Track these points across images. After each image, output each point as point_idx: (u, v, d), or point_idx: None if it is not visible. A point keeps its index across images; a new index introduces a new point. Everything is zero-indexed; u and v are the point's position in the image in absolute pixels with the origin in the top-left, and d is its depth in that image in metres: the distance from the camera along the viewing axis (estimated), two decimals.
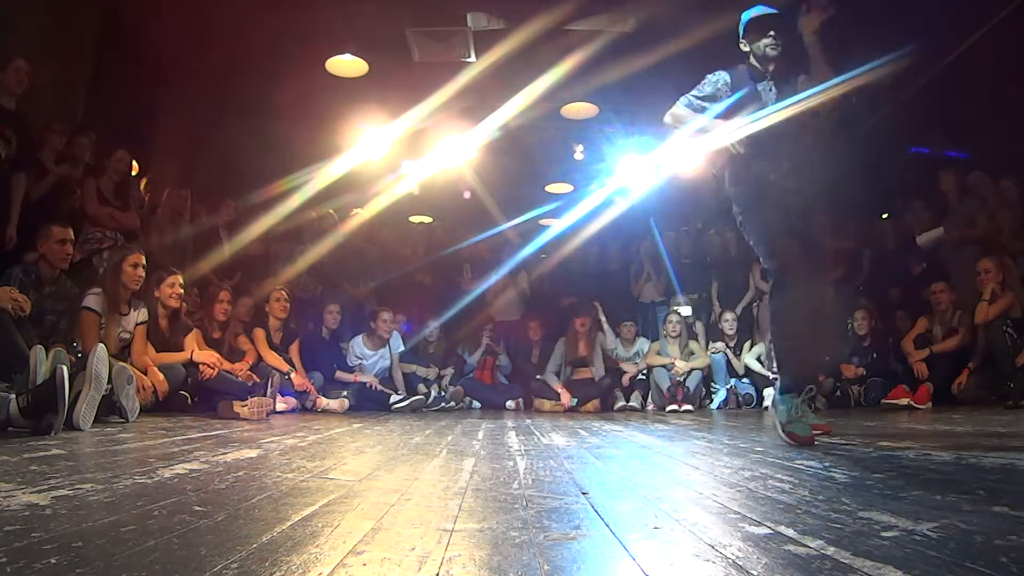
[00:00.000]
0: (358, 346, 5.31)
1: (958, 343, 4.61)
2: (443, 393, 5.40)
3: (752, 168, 2.43)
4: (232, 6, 4.88)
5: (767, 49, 2.44)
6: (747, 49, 2.52)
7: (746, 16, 2.49)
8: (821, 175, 2.43)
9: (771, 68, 2.47)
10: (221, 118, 6.08)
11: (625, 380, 5.43)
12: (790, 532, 0.93)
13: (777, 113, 2.37)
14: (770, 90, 2.47)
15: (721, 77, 2.50)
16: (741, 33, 2.52)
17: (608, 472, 1.62)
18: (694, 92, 2.51)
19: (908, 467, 1.60)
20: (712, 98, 2.48)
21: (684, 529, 0.97)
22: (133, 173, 4.90)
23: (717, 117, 2.45)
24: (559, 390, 5.28)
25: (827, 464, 1.66)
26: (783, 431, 2.17)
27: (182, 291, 3.94)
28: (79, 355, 2.98)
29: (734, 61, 2.58)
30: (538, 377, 5.53)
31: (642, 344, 5.68)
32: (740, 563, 0.78)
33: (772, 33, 2.43)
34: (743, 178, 2.47)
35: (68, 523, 0.93)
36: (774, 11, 2.45)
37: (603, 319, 5.62)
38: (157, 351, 3.75)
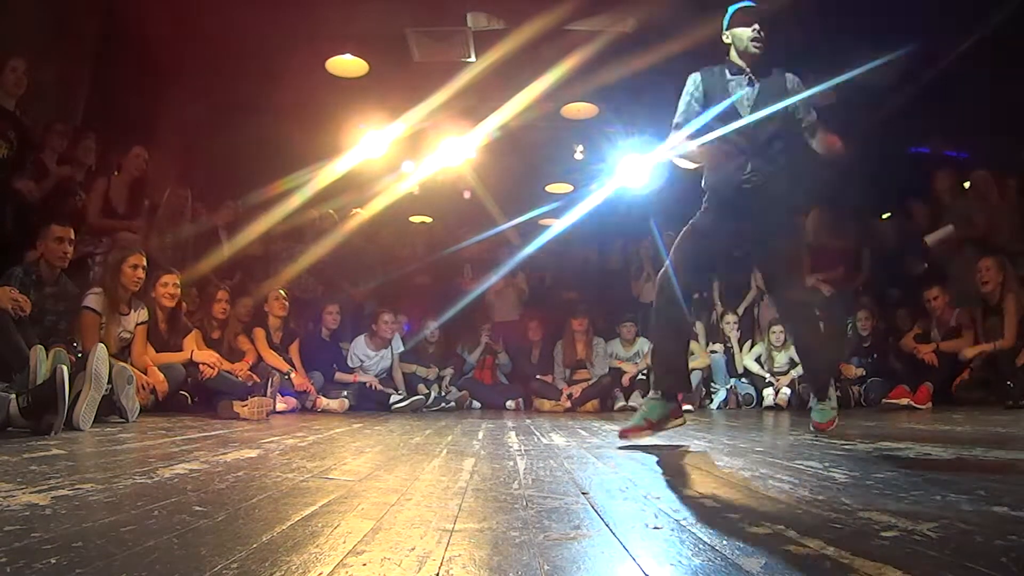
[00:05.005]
0: (360, 347, 5.30)
1: (969, 344, 4.57)
2: (443, 393, 5.40)
3: (716, 172, 2.45)
4: (232, 6, 4.87)
5: (750, 44, 2.40)
6: (729, 41, 2.48)
7: (733, 7, 2.47)
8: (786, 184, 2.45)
9: (750, 66, 2.43)
10: (221, 118, 6.07)
11: (625, 380, 5.43)
12: (790, 532, 0.93)
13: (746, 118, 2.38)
14: (743, 84, 2.44)
15: (692, 80, 2.49)
16: (725, 24, 2.49)
17: (608, 472, 1.62)
18: (676, 118, 2.52)
19: (908, 467, 1.60)
20: (688, 113, 2.49)
21: (684, 529, 0.97)
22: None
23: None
24: (564, 391, 5.30)
25: (827, 464, 1.66)
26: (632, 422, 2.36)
27: (177, 291, 3.90)
28: (79, 355, 2.98)
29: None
30: (538, 377, 5.53)
31: (642, 344, 5.68)
32: (740, 563, 0.78)
33: (756, 26, 2.39)
34: (708, 182, 2.50)
35: (68, 523, 0.93)
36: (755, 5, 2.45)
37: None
38: (156, 351, 3.75)
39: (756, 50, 2.40)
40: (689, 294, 2.44)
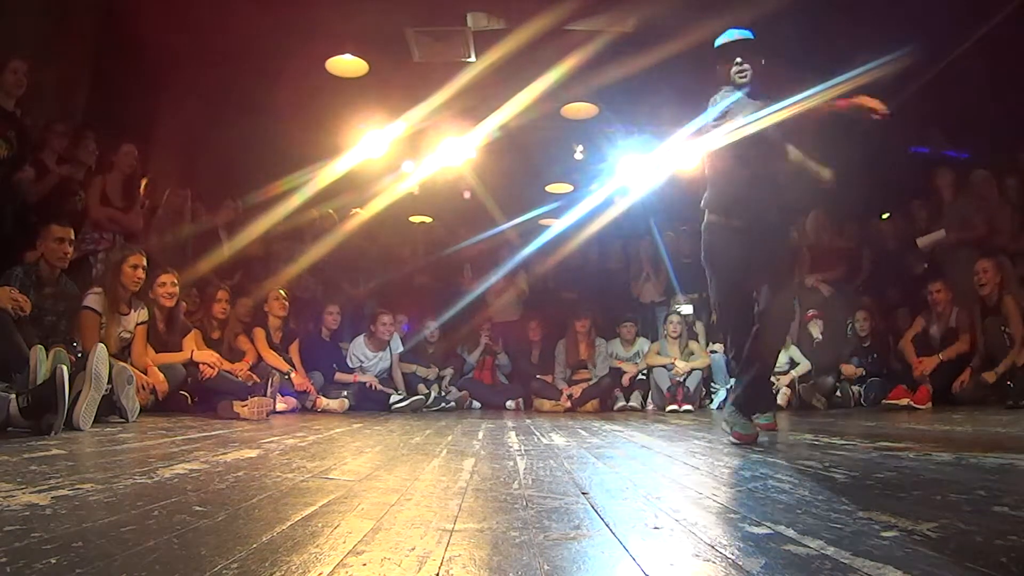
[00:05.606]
0: (358, 348, 5.31)
1: (966, 348, 4.56)
2: (443, 393, 5.40)
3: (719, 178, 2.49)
4: (232, 6, 4.87)
5: (736, 77, 2.51)
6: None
7: (717, 43, 2.56)
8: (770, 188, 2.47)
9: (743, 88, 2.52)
10: (221, 118, 6.07)
11: (625, 380, 5.43)
12: (790, 532, 0.93)
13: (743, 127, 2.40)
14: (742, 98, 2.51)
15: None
16: (715, 57, 2.58)
17: (608, 472, 1.62)
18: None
19: (908, 467, 1.60)
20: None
21: (684, 529, 0.97)
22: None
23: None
24: (564, 391, 5.30)
25: (827, 464, 1.66)
26: (731, 432, 2.38)
27: (175, 290, 3.88)
28: (79, 355, 2.98)
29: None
30: (538, 377, 5.53)
31: (642, 344, 5.68)
32: (740, 563, 0.78)
33: (739, 60, 2.49)
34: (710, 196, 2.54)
35: (68, 523, 0.93)
36: (741, 36, 2.52)
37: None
38: (156, 351, 3.75)
39: (743, 80, 2.50)
40: (749, 291, 2.47)
